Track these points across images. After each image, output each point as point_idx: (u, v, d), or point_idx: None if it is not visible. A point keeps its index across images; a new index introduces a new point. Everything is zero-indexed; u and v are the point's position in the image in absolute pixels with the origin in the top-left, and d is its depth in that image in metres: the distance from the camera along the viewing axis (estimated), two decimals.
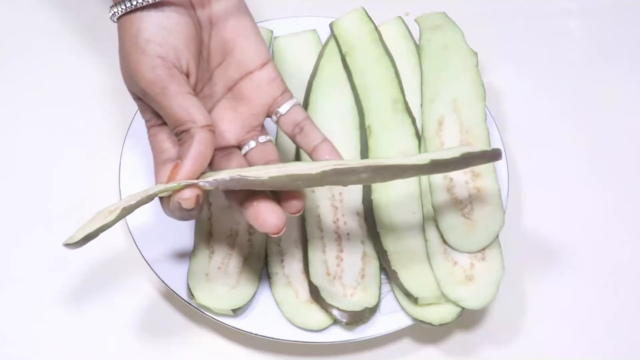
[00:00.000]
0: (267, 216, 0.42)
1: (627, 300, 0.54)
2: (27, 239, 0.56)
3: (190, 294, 0.49)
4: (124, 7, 0.43)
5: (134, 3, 0.43)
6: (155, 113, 0.44)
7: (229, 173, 0.42)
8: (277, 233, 0.42)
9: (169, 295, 0.53)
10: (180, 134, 0.42)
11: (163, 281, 0.50)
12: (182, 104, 0.42)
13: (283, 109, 0.47)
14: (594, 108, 0.63)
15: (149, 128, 0.45)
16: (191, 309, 0.51)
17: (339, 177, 0.42)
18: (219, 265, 0.51)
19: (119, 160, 0.55)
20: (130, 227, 0.52)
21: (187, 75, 0.44)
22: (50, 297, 0.53)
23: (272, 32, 0.61)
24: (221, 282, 0.50)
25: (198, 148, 0.41)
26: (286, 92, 0.48)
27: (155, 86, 0.42)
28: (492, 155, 0.45)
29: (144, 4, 0.43)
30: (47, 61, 0.64)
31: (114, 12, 0.44)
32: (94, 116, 0.61)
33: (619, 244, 0.56)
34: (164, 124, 0.44)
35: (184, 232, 0.52)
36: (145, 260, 0.51)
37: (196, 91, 0.45)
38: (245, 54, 0.47)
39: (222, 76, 0.47)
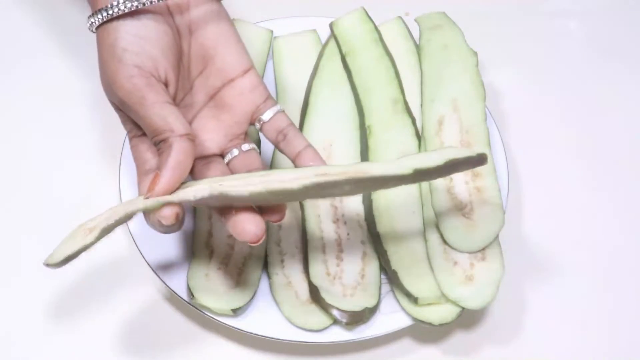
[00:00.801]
0: (246, 225, 0.41)
1: (627, 301, 0.54)
2: (28, 240, 0.56)
3: (191, 294, 0.49)
4: (100, 16, 0.43)
5: (110, 12, 0.42)
6: (135, 124, 0.44)
7: (210, 182, 0.41)
8: (256, 242, 0.41)
9: (169, 296, 0.53)
10: (159, 144, 0.42)
11: (163, 281, 0.50)
12: (160, 113, 0.42)
13: (266, 116, 0.46)
14: (594, 108, 0.63)
15: (130, 139, 0.45)
16: (191, 309, 0.51)
17: (321, 190, 0.41)
18: (219, 266, 0.51)
19: (119, 162, 0.55)
20: (131, 228, 0.52)
21: (166, 84, 0.44)
22: (51, 297, 0.53)
23: (272, 32, 0.61)
24: (221, 282, 0.50)
25: (177, 157, 0.41)
26: (269, 99, 0.47)
27: (132, 95, 0.42)
28: (478, 161, 0.44)
29: (120, 12, 0.42)
30: (41, 65, 0.64)
31: (92, 22, 0.43)
32: (93, 118, 0.61)
33: (618, 243, 0.56)
34: (145, 134, 0.44)
35: (184, 233, 0.52)
36: (145, 260, 0.51)
37: (177, 100, 0.45)
38: (226, 62, 0.46)
39: (204, 85, 0.47)
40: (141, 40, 0.43)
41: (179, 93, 0.46)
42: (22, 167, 0.59)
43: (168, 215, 0.41)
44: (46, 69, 0.64)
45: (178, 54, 0.45)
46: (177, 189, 0.41)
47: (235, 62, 0.47)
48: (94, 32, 0.44)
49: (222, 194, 0.40)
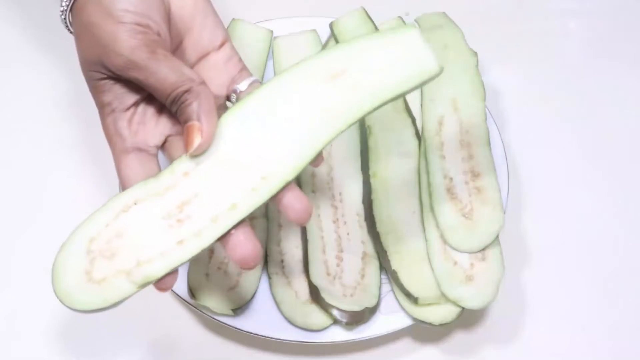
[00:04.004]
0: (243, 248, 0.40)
1: (627, 301, 0.54)
2: (30, 241, 0.56)
3: (191, 294, 0.49)
4: None
5: None
6: (117, 95, 0.42)
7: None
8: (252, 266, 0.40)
9: (169, 296, 0.53)
10: (182, 96, 0.40)
11: None
12: (173, 65, 0.40)
13: (242, 86, 0.45)
14: (593, 108, 0.63)
15: (107, 115, 0.42)
16: (191, 309, 0.51)
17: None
18: (219, 266, 0.51)
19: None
20: None
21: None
22: (50, 297, 0.53)
23: (272, 32, 0.61)
24: (221, 282, 0.50)
25: (208, 104, 0.40)
26: (244, 70, 0.46)
27: (141, 51, 0.40)
28: None
29: None
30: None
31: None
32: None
33: (619, 243, 0.56)
34: (127, 109, 0.42)
35: None
36: None
37: None
38: (202, 36, 0.45)
39: (181, 59, 0.45)
40: (140, 3, 0.41)
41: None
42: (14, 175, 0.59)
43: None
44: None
45: (168, 21, 0.44)
46: None
47: (210, 37, 0.46)
48: (65, 10, 0.42)
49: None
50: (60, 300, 0.38)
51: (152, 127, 0.43)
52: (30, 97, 0.62)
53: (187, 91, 0.40)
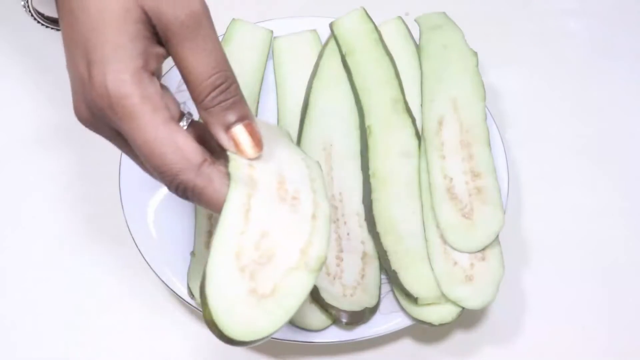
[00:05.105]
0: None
1: (627, 300, 0.54)
2: (31, 241, 0.56)
3: (191, 294, 0.49)
4: None
5: None
6: (152, 55, 0.38)
7: None
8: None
9: (169, 296, 0.53)
10: (223, 85, 0.38)
11: (163, 281, 0.50)
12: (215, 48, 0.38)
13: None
14: (593, 108, 0.63)
15: (144, 73, 0.37)
16: (191, 309, 0.51)
17: None
18: None
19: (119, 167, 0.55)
20: (131, 228, 0.52)
21: None
22: (52, 297, 0.53)
23: (272, 32, 0.61)
24: None
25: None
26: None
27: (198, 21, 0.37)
28: None
29: None
30: None
31: None
32: None
33: (619, 243, 0.56)
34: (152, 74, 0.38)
35: (184, 232, 0.52)
36: (145, 260, 0.51)
37: None
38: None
39: None
40: None
41: None
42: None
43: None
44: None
45: None
46: None
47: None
48: None
49: None
50: (239, 342, 0.33)
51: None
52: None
53: (232, 81, 0.38)
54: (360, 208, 0.54)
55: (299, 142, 0.56)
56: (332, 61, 0.60)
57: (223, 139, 0.38)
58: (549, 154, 0.60)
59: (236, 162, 0.38)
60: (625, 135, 0.62)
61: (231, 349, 0.51)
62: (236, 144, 0.38)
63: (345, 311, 0.48)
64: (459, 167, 0.53)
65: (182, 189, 0.37)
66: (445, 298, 0.49)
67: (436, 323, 0.48)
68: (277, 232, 0.36)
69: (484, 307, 0.49)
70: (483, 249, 0.50)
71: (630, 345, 0.52)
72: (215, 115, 0.38)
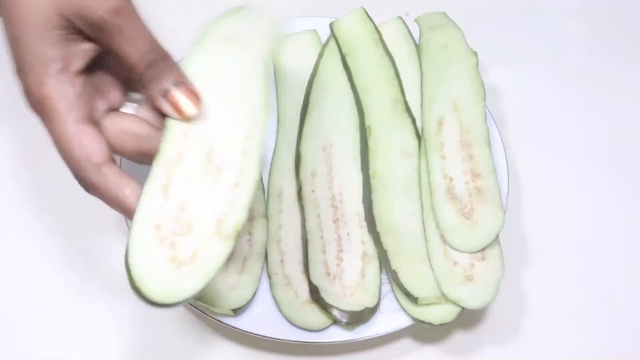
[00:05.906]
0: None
1: (627, 300, 0.54)
2: (31, 241, 0.56)
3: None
4: None
5: None
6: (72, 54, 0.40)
7: None
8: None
9: None
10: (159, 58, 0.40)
11: None
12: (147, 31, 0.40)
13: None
14: (594, 108, 0.63)
15: (52, 74, 0.39)
16: (191, 309, 0.51)
17: None
18: None
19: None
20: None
21: None
22: (52, 297, 0.53)
23: None
24: (221, 282, 0.50)
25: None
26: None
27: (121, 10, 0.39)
28: None
29: None
30: None
31: None
32: None
33: (619, 243, 0.56)
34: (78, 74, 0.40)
35: None
36: None
37: None
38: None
39: None
40: None
41: None
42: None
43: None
44: None
45: None
46: None
47: None
48: None
49: None
50: (163, 304, 0.36)
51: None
52: None
53: (164, 56, 0.40)
54: (360, 208, 0.54)
55: (299, 142, 0.56)
56: (332, 61, 0.60)
57: (164, 105, 0.40)
58: (549, 153, 0.60)
59: (170, 134, 0.40)
60: (625, 135, 0.62)
61: (231, 347, 0.51)
62: (175, 108, 0.40)
63: (345, 311, 0.48)
64: (459, 167, 0.53)
65: (84, 186, 0.40)
66: (445, 298, 0.49)
67: (436, 323, 0.48)
68: (195, 205, 0.38)
69: (484, 307, 0.49)
70: (483, 249, 0.50)
71: (630, 345, 0.52)
72: (154, 88, 0.40)
